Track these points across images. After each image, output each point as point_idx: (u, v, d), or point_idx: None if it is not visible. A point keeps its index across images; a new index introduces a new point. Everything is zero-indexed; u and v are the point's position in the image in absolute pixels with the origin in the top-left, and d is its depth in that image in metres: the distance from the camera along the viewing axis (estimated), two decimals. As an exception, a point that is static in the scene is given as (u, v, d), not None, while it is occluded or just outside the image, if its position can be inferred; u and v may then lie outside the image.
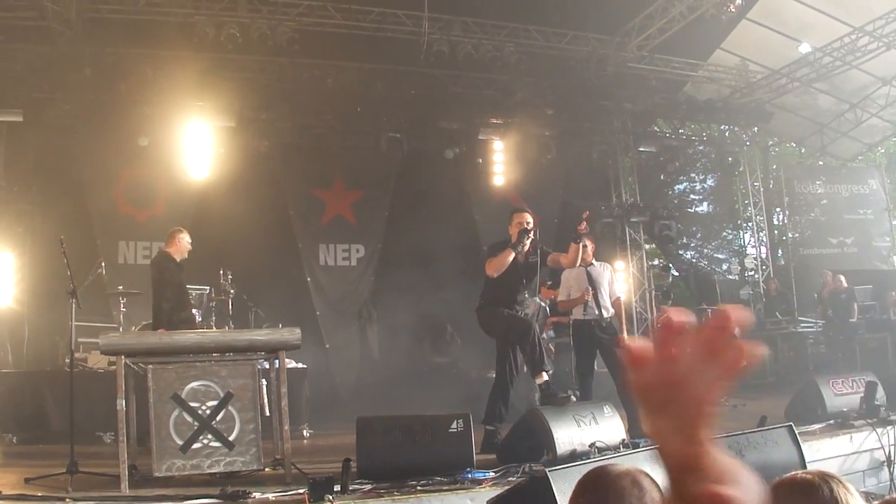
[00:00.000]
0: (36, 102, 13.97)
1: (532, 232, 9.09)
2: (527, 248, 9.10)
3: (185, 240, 10.47)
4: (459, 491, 6.32)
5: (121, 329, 11.70)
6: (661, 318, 1.00)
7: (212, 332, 9.96)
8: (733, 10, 13.04)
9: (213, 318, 11.77)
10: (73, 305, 7.84)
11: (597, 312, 9.84)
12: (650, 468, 4.95)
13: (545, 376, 8.56)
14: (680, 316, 0.99)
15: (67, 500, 6.17)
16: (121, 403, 6.83)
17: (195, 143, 14.66)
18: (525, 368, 9.35)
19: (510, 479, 6.61)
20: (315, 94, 15.14)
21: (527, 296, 9.38)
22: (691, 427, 0.95)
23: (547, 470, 4.47)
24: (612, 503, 2.40)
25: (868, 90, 18.88)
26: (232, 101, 14.70)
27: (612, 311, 10.04)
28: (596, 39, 15.75)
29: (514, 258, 9.01)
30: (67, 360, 9.88)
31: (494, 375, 9.36)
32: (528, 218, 9.17)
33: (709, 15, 13.28)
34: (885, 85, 18.42)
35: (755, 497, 0.96)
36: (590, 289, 9.87)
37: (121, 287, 12.31)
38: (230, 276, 11.86)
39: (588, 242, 10.19)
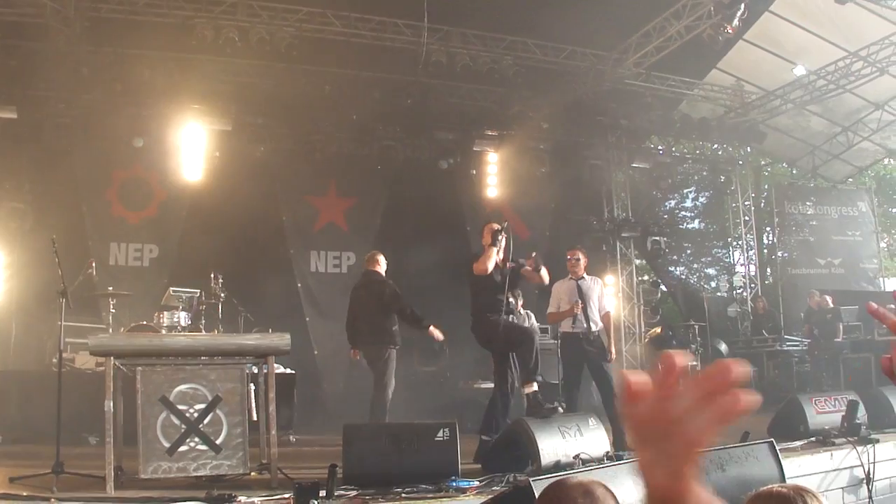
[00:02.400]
0: (31, 100, 13.98)
1: (504, 232, 9.24)
2: (502, 246, 9.23)
3: (384, 260, 11.05)
4: (444, 499, 6.35)
5: (110, 330, 11.69)
6: (665, 358, 1.02)
7: (202, 336, 10.00)
8: (730, 31, 13.05)
9: (203, 321, 11.78)
10: (63, 305, 7.84)
11: (585, 326, 9.87)
12: (631, 481, 4.99)
13: (535, 386, 8.60)
14: (683, 358, 1.00)
15: (52, 500, 6.16)
16: (108, 405, 6.83)
17: (190, 145, 14.69)
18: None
19: (494, 488, 6.64)
20: (312, 100, 15.17)
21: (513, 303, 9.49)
22: (679, 464, 0.97)
23: (531, 479, 4.51)
24: None
25: (860, 114, 19.02)
26: (228, 105, 14.74)
27: (600, 324, 10.06)
28: (593, 55, 15.79)
29: (495, 267, 9.13)
30: (55, 360, 9.87)
31: (494, 386, 9.39)
32: (496, 226, 9.32)
33: (706, 35, 13.32)
34: (877, 109, 18.56)
35: None
36: (579, 302, 9.90)
37: (111, 288, 12.30)
38: (221, 280, 11.87)
39: (581, 256, 10.29)
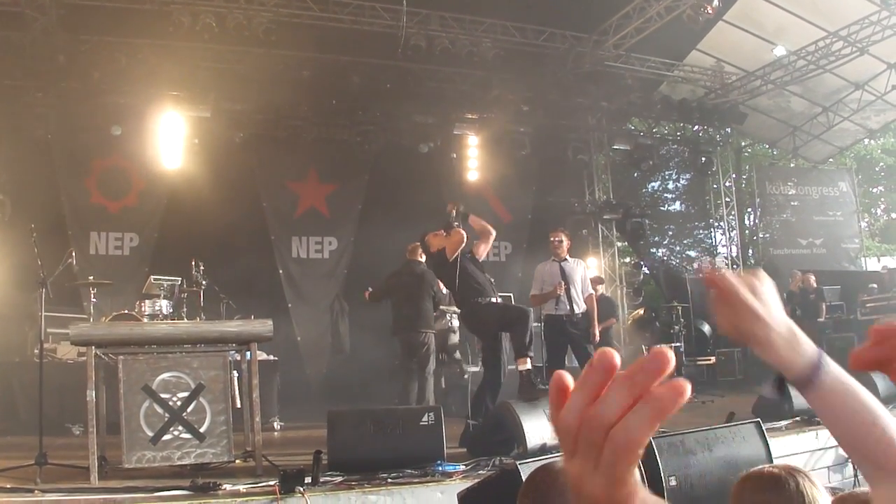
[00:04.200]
0: (7, 89, 13.84)
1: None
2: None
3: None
4: (430, 483, 6.34)
5: (91, 320, 11.60)
6: (598, 356, 0.89)
7: (183, 323, 9.94)
8: (710, 11, 13.07)
9: (185, 309, 11.73)
10: (43, 295, 7.77)
11: (568, 308, 9.88)
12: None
13: (528, 363, 8.58)
14: (614, 357, 0.88)
15: (36, 491, 6.10)
16: (91, 394, 6.78)
17: (169, 133, 14.59)
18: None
19: (480, 472, 6.64)
20: (291, 85, 15.05)
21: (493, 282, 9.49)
22: (618, 470, 0.86)
23: (517, 463, 4.50)
24: (554, 499, 2.41)
25: (840, 94, 19.07)
26: (207, 92, 14.66)
27: (583, 306, 10.07)
28: (573, 37, 15.78)
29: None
30: (36, 351, 9.81)
31: (484, 372, 9.37)
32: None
33: (686, 16, 13.33)
34: (857, 89, 18.60)
35: None
36: (562, 283, 9.91)
37: (92, 277, 12.22)
38: (202, 268, 11.81)
39: (564, 237, 10.28)
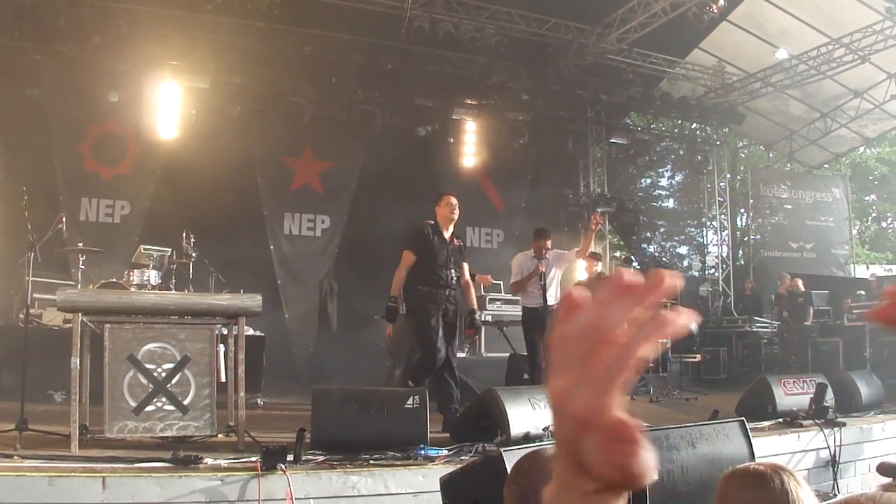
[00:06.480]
0: (5, 51, 13.76)
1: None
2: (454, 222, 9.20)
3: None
4: (412, 467, 6.32)
5: (79, 286, 11.53)
6: (617, 273, 0.89)
7: (172, 294, 9.88)
8: (716, 10, 13.04)
9: (173, 280, 11.65)
10: (31, 259, 7.72)
11: (542, 300, 10.04)
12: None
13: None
14: (629, 276, 0.88)
15: (16, 457, 6.07)
16: (75, 362, 6.73)
17: (166, 102, 14.52)
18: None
19: (463, 457, 6.62)
20: (291, 61, 15.01)
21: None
22: (609, 380, 0.85)
23: (501, 450, 4.47)
24: (542, 486, 2.39)
25: (839, 101, 19.12)
26: (206, 63, 14.57)
27: (558, 298, 10.13)
28: (577, 28, 15.75)
29: (441, 242, 9.11)
30: (21, 316, 9.76)
31: (420, 356, 9.31)
32: (454, 201, 9.24)
33: (691, 13, 13.30)
34: (856, 97, 18.66)
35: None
36: (542, 263, 10.04)
37: (81, 244, 12.15)
38: (193, 240, 11.73)
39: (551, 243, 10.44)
